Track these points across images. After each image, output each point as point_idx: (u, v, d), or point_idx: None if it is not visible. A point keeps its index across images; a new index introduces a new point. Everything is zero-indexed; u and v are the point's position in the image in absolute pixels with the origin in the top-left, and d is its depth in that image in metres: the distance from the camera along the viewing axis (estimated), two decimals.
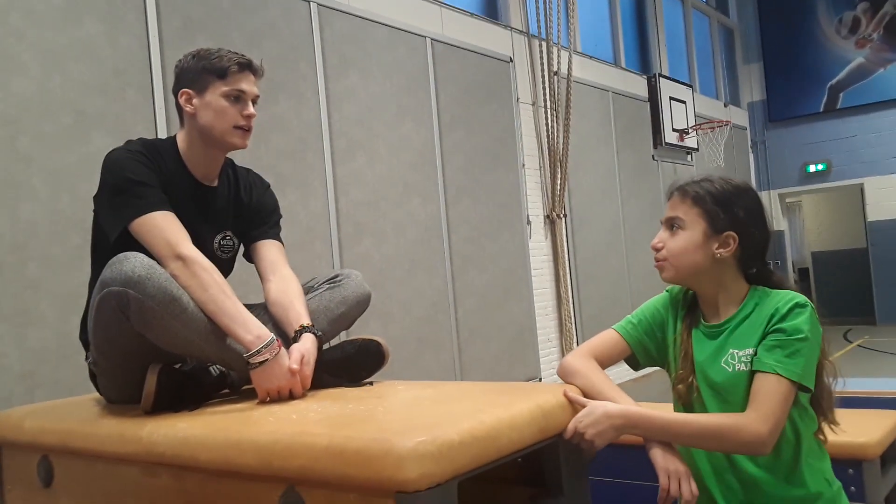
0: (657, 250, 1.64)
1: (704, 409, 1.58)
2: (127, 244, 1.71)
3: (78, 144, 3.31)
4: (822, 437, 1.60)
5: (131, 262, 1.59)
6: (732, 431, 1.47)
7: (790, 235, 11.51)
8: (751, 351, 1.53)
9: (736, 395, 1.54)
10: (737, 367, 1.54)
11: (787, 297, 1.54)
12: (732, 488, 1.58)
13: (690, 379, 1.61)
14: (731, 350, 1.56)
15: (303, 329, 1.78)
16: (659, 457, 1.49)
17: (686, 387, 1.61)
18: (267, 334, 1.68)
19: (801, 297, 1.53)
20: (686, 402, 1.62)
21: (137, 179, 1.76)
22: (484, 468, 1.26)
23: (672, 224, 1.62)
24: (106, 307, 1.61)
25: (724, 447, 1.52)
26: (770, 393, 1.46)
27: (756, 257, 1.63)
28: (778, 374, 1.46)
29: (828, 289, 11.03)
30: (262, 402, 1.66)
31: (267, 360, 1.65)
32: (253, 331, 1.67)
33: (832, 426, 1.60)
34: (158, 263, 1.66)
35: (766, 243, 1.64)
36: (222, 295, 1.69)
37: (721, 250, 1.57)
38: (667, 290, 1.75)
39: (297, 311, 1.81)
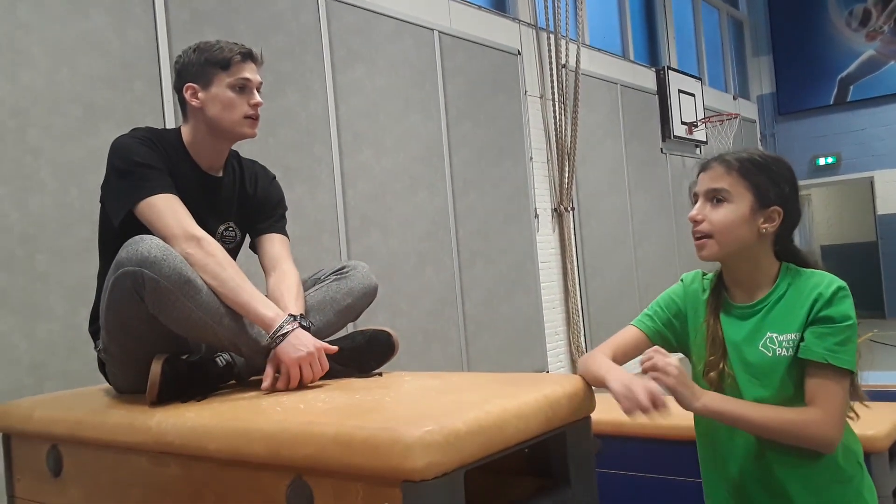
0: (697, 223, 1.55)
1: (739, 394, 1.53)
2: (132, 230, 1.70)
3: (86, 137, 3.32)
4: (853, 414, 1.57)
5: (147, 244, 1.61)
6: (800, 429, 1.44)
7: (799, 229, 11.39)
8: (793, 336, 1.49)
9: (773, 378, 1.50)
10: (777, 352, 1.50)
11: (826, 279, 1.50)
12: (768, 482, 1.53)
13: (721, 364, 1.56)
14: (769, 333, 1.51)
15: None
16: (617, 387, 1.42)
17: (718, 374, 1.56)
18: (284, 312, 1.71)
19: (840, 281, 1.50)
20: (718, 390, 1.55)
21: (143, 162, 1.76)
22: (490, 458, 1.26)
23: (714, 196, 1.54)
24: (121, 287, 1.62)
25: (791, 442, 1.48)
26: (831, 390, 1.44)
27: (789, 234, 1.60)
28: (833, 364, 1.43)
29: None
30: (285, 382, 1.65)
31: (290, 331, 1.66)
32: (272, 308, 1.70)
33: (864, 403, 1.57)
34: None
35: (799, 220, 1.61)
36: (239, 275, 1.71)
37: (766, 225, 1.53)
38: (680, 280, 1.71)
39: (285, 304, 1.78)
